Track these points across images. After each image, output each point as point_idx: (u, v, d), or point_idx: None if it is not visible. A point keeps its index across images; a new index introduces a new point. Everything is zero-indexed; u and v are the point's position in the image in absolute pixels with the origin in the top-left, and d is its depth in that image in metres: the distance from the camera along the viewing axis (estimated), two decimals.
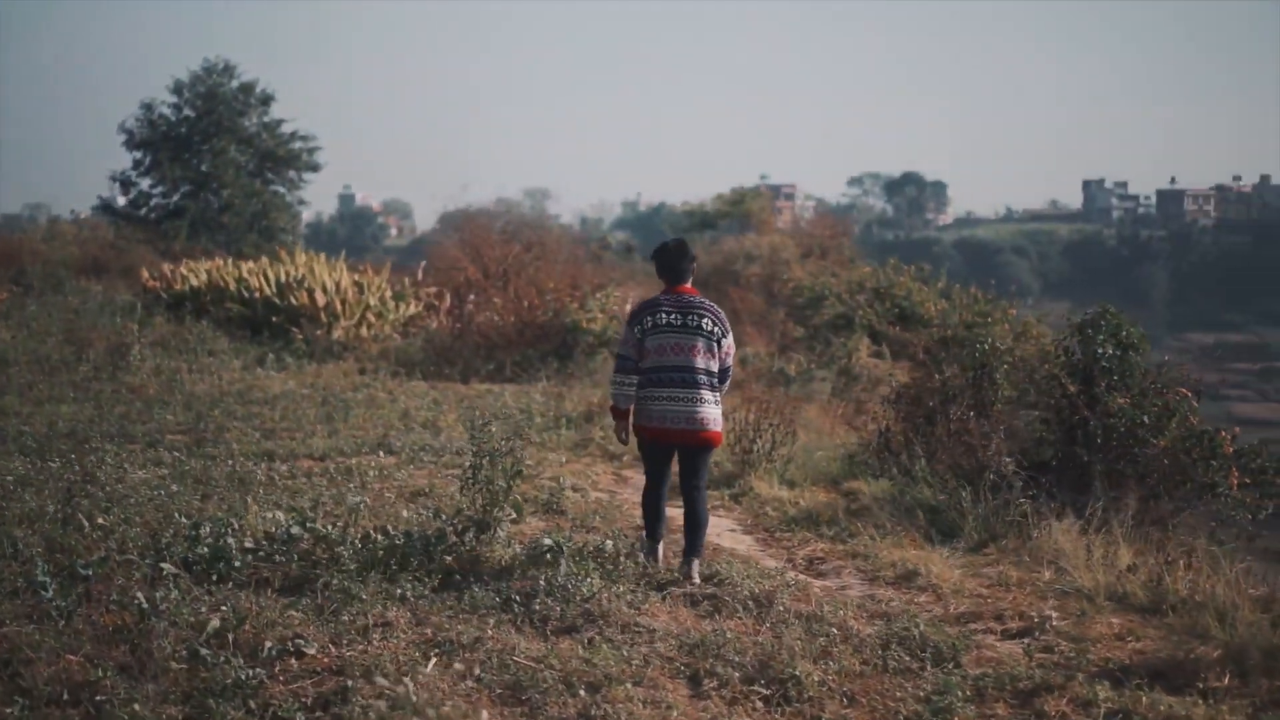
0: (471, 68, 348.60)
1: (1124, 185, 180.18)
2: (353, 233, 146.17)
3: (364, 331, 23.70)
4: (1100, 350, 11.47)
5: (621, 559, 9.37)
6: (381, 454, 13.82)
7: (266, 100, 49.92)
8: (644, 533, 9.85)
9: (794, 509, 12.17)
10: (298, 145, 50.29)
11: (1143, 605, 8.74)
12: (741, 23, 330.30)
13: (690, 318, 9.46)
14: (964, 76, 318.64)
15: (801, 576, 9.72)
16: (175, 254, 38.59)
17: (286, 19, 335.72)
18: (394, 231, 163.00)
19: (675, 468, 9.74)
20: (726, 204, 56.89)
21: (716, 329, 9.50)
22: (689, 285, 9.71)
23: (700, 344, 9.43)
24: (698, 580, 9.27)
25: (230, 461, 12.67)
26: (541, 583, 8.55)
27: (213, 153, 47.97)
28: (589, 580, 8.60)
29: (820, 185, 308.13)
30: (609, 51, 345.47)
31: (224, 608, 7.67)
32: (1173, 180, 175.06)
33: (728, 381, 9.73)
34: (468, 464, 10.01)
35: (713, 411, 9.48)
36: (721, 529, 11.64)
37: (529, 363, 22.31)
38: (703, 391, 9.43)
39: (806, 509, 12.11)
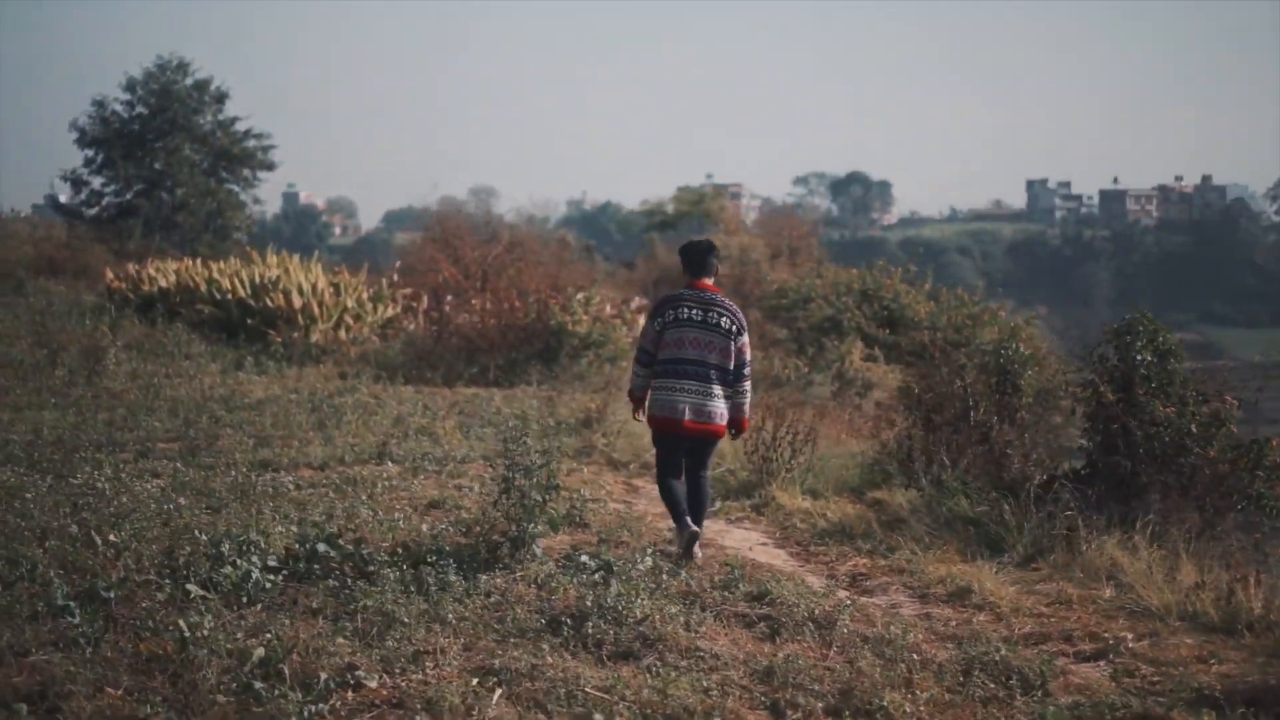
0: (415, 65, 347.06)
1: (1067, 185, 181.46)
2: (297, 231, 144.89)
3: (342, 334, 23.22)
4: (1139, 357, 11.14)
5: (664, 576, 9.00)
6: (384, 463, 13.36)
7: (221, 98, 49.23)
8: (671, 518, 10.25)
9: (824, 521, 11.79)
10: (252, 143, 49.63)
11: (1215, 625, 8.40)
12: (686, 22, 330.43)
13: (710, 314, 9.92)
14: (908, 76, 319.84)
15: (850, 595, 9.32)
16: (130, 253, 37.89)
17: (228, 16, 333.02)
18: (338, 230, 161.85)
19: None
20: (687, 204, 56.57)
21: (734, 327, 9.93)
22: (711, 282, 10.19)
23: (717, 341, 9.89)
24: (699, 555, 9.88)
25: (232, 472, 12.18)
26: (589, 603, 8.14)
27: (166, 151, 47.23)
28: (640, 600, 8.20)
29: (766, 184, 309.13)
30: (552, 50, 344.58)
31: (267, 635, 7.21)
32: (1115, 180, 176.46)
33: (748, 379, 10.09)
34: (500, 477, 9.62)
35: (721, 406, 9.94)
36: (752, 542, 11.27)
37: (513, 366, 21.89)
38: (714, 386, 9.89)
39: (837, 521, 11.72)
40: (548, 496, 9.56)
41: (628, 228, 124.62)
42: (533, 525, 9.33)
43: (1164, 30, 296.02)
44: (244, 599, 7.97)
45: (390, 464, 13.23)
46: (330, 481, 12.20)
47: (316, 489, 11.80)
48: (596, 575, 8.78)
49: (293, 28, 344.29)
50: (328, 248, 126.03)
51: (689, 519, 9.91)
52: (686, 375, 9.89)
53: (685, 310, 9.96)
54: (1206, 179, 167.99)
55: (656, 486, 10.71)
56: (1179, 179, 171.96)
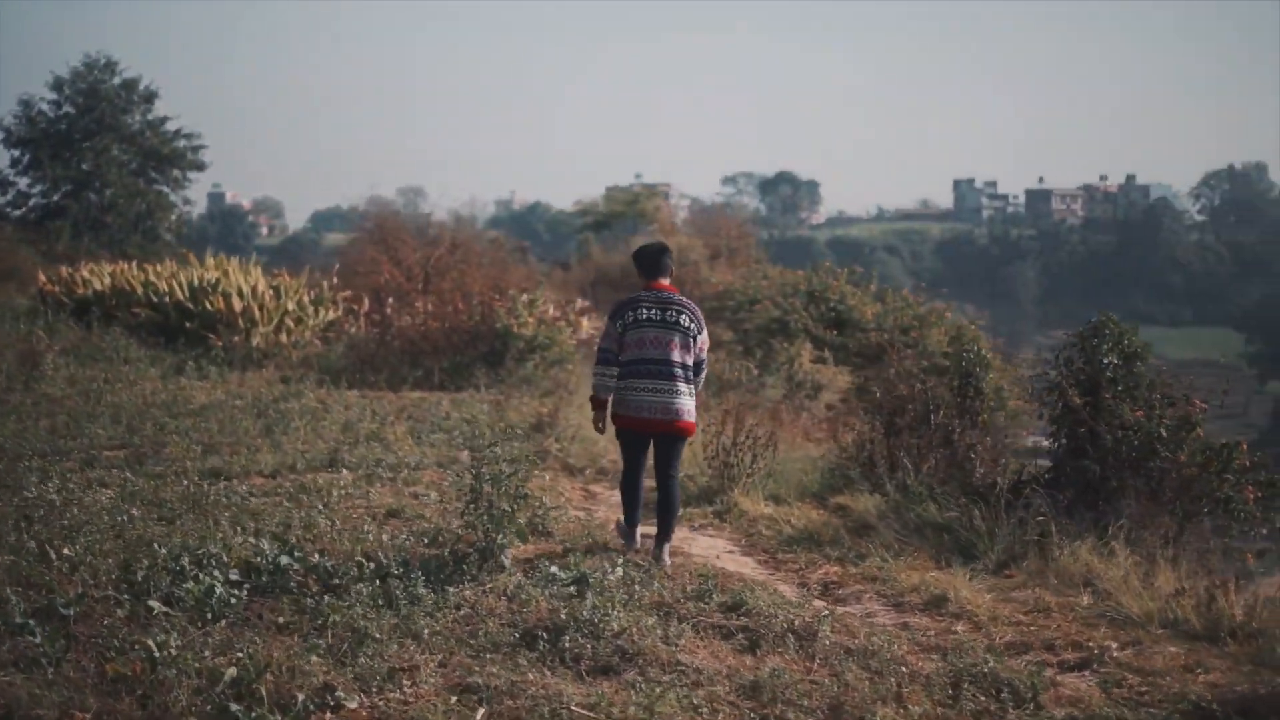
0: (343, 65, 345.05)
1: (993, 185, 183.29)
2: (223, 231, 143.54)
3: (284, 338, 22.85)
4: (1106, 360, 11.05)
5: (637, 587, 8.83)
6: (337, 470, 13.09)
7: (150, 97, 48.70)
8: (622, 517, 10.49)
9: (789, 528, 11.62)
10: (182, 143, 49.02)
11: (1197, 632, 8.31)
12: (613, 21, 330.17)
13: (669, 313, 10.10)
14: (835, 76, 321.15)
15: (827, 605, 9.16)
16: (59, 255, 37.30)
17: (152, 15, 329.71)
18: (265, 230, 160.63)
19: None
20: (621, 203, 56.24)
21: (693, 325, 10.13)
22: (668, 282, 10.38)
23: (677, 339, 10.07)
24: (668, 562, 9.92)
25: (184, 481, 11.88)
26: (563, 615, 7.94)
27: (94, 151, 46.67)
28: (616, 613, 8.01)
29: (694, 184, 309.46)
30: (479, 49, 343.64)
31: (238, 653, 6.98)
32: (1041, 180, 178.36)
33: (703, 375, 10.35)
34: (468, 486, 9.40)
35: (687, 403, 10.12)
36: (718, 550, 11.10)
37: (457, 369, 21.62)
38: (679, 384, 10.05)
39: (804, 528, 11.56)
40: (516, 506, 9.35)
41: (557, 227, 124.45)
42: (501, 536, 9.13)
43: (1087, 30, 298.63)
44: (208, 615, 7.71)
45: (344, 471, 12.93)
46: (283, 490, 11.92)
47: (270, 498, 11.54)
48: (570, 587, 8.59)
49: (218, 27, 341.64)
50: (254, 248, 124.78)
51: (658, 544, 10.18)
52: (651, 375, 10.06)
53: (644, 310, 10.13)
54: (1130, 178, 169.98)
55: (618, 490, 10.74)
56: (1103, 178, 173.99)
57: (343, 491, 11.91)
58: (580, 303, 26.52)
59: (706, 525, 12.07)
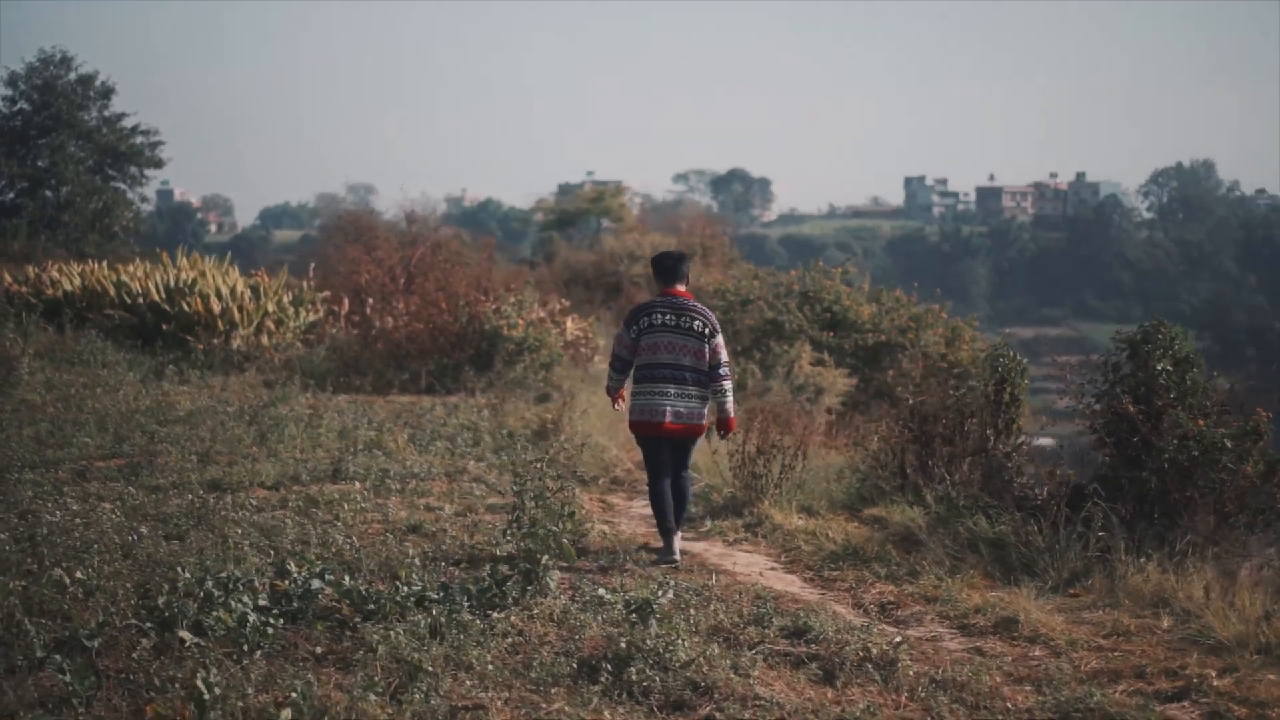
0: (292, 61, 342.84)
1: (944, 182, 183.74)
2: (172, 229, 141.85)
3: (265, 340, 22.17)
4: (1159, 367, 10.58)
5: (692, 611, 8.32)
6: (344, 482, 12.53)
7: (107, 93, 47.69)
8: (658, 529, 10.64)
9: (830, 543, 11.10)
10: (140, 140, 48.09)
11: None
12: (564, 18, 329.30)
13: (683, 319, 10.41)
14: (787, 73, 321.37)
15: (899, 631, 8.63)
16: (16, 254, 36.43)
17: (101, 10, 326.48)
18: (214, 228, 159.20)
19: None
20: (586, 201, 55.63)
21: (706, 329, 10.40)
22: (684, 288, 10.69)
23: (691, 344, 10.37)
24: (678, 556, 10.27)
25: (188, 495, 11.30)
26: (624, 644, 7.42)
27: (50, 148, 45.61)
28: (682, 641, 7.48)
29: (646, 182, 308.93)
30: (429, 45, 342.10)
31: (288, 691, 6.43)
32: (991, 177, 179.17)
33: (727, 379, 10.50)
34: (512, 505, 8.86)
35: (699, 407, 10.43)
36: (760, 567, 10.56)
37: (444, 372, 21.03)
38: (690, 388, 10.37)
39: (845, 543, 11.04)
40: (562, 525, 8.81)
41: (510, 225, 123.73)
42: (546, 557, 8.59)
43: (1036, 28, 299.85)
44: (244, 646, 7.15)
45: (354, 483, 12.34)
46: (290, 503, 11.38)
47: (277, 512, 10.98)
48: (622, 610, 8.09)
49: (165, 23, 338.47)
50: (203, 245, 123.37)
51: (675, 543, 10.39)
52: (664, 379, 10.36)
53: (659, 316, 10.45)
54: (1080, 176, 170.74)
55: (646, 500, 11.11)
56: (1054, 176, 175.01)
57: (353, 505, 11.34)
58: (559, 302, 25.89)
59: (741, 540, 11.53)
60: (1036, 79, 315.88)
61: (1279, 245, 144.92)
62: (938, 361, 25.21)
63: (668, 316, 10.44)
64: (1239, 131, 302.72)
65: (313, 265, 26.81)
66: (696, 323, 10.40)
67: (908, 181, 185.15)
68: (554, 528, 8.73)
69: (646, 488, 10.92)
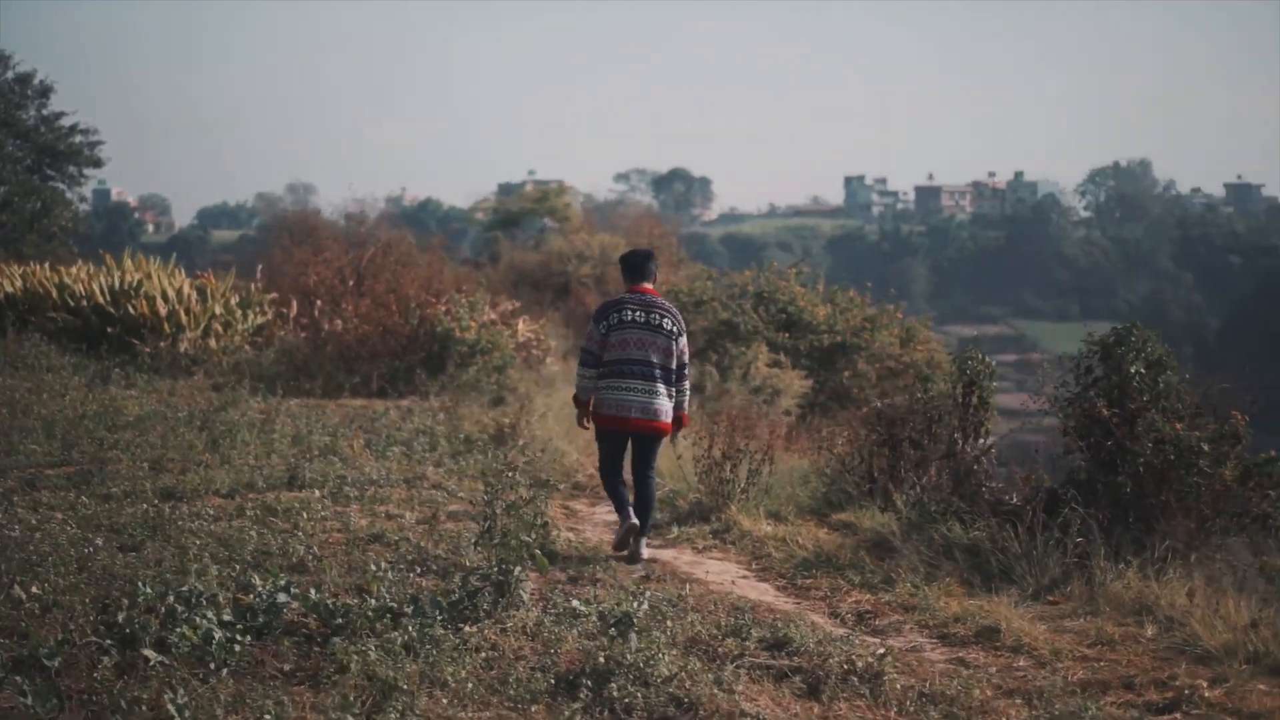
0: (228, 60, 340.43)
1: (883, 181, 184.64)
2: (109, 229, 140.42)
3: (212, 343, 21.80)
4: (1132, 369, 10.46)
5: (669, 623, 8.12)
6: (301, 490, 12.25)
7: (45, 92, 47.11)
8: (615, 512, 10.82)
9: (801, 550, 10.92)
10: (78, 139, 47.49)
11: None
12: (503, 17, 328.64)
13: (653, 316, 10.55)
14: (726, 73, 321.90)
15: (880, 641, 8.45)
16: None
17: (37, 8, 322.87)
18: (151, 228, 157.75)
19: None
20: (531, 201, 55.25)
21: (675, 328, 10.60)
22: (651, 286, 10.81)
23: (660, 341, 10.51)
24: (645, 555, 10.40)
25: (143, 504, 11.00)
26: (602, 659, 7.21)
27: None
28: (664, 656, 7.28)
29: (588, 181, 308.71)
30: (367, 44, 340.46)
31: (261, 712, 6.20)
32: (930, 177, 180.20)
33: (687, 379, 10.77)
34: (483, 515, 8.63)
35: (665, 404, 10.55)
36: (731, 574, 10.37)
37: (395, 375, 20.74)
38: (658, 385, 10.48)
39: (816, 549, 10.87)
40: (536, 536, 8.59)
41: (450, 224, 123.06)
42: (519, 568, 8.37)
43: (974, 29, 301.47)
44: (210, 664, 6.89)
45: (312, 491, 12.07)
46: (247, 512, 11.07)
47: (234, 521, 10.69)
48: (597, 622, 7.89)
49: (100, 20, 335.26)
50: (140, 246, 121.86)
51: (631, 512, 10.47)
52: (633, 375, 10.47)
53: (629, 313, 10.53)
54: (1019, 174, 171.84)
55: (610, 506, 11.16)
56: (992, 175, 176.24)
57: (312, 513, 11.06)
58: (510, 304, 25.61)
59: (710, 547, 11.33)
60: (975, 78, 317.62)
61: (1214, 244, 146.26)
62: (893, 363, 25.15)
63: (637, 313, 10.54)
64: (1175, 131, 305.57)
65: (260, 267, 26.40)
66: (666, 320, 10.57)
67: (847, 181, 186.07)
68: (527, 538, 8.49)
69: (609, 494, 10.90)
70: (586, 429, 11.02)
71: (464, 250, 60.46)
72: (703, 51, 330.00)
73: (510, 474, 9.12)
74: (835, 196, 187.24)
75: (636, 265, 10.86)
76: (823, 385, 24.62)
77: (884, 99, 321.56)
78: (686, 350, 10.78)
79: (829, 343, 25.29)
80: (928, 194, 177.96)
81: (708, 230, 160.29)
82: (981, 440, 11.87)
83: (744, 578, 10.33)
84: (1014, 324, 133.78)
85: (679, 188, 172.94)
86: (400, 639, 7.29)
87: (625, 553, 10.49)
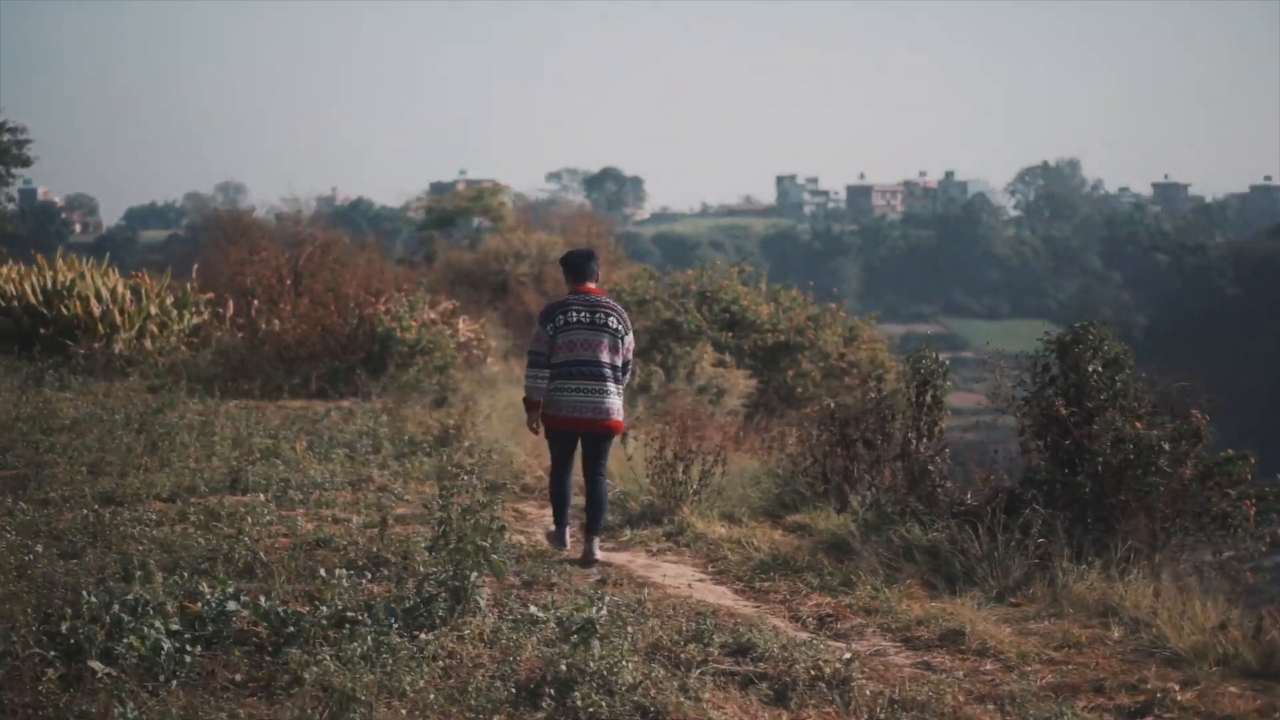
0: (157, 58, 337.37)
1: (815, 181, 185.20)
2: (35, 229, 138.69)
3: (148, 344, 21.42)
4: (1090, 369, 10.37)
5: (630, 629, 7.94)
6: (244, 493, 12.00)
7: None
8: (552, 519, 10.89)
9: (757, 552, 10.77)
10: (6, 138, 46.83)
11: (1253, 669, 7.62)
12: (433, 17, 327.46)
13: (598, 315, 10.62)
14: (658, 73, 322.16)
15: (847, 646, 8.30)
16: None
17: None
18: (78, 228, 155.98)
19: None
20: (466, 200, 54.89)
21: (620, 327, 10.70)
22: (594, 285, 10.92)
23: (606, 340, 10.58)
24: (598, 556, 10.37)
25: (82, 509, 10.72)
26: (564, 666, 7.03)
27: None
28: (627, 663, 7.09)
29: (519, 180, 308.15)
30: (296, 45, 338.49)
31: None
32: (862, 176, 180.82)
33: (629, 375, 10.92)
34: (438, 519, 8.40)
35: (616, 402, 10.61)
36: (687, 578, 10.21)
37: (335, 376, 20.45)
38: (608, 384, 10.53)
39: (772, 552, 10.72)
40: (492, 540, 8.39)
41: (382, 224, 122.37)
42: (476, 573, 8.16)
43: (904, 28, 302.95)
44: (159, 675, 6.66)
45: (256, 495, 11.81)
46: (190, 516, 10.83)
47: (177, 526, 10.46)
48: (572, 634, 7.65)
49: (25, 19, 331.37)
50: (68, 246, 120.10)
51: (588, 538, 10.53)
52: (582, 375, 10.50)
53: (574, 314, 10.58)
54: (949, 174, 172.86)
55: (549, 490, 11.13)
56: (923, 174, 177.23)
57: (257, 518, 10.80)
58: (450, 303, 25.33)
59: (664, 550, 11.18)
60: (905, 78, 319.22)
61: (1142, 243, 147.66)
62: (837, 361, 25.09)
63: (583, 314, 10.59)
64: (1103, 130, 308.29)
65: (196, 266, 25.98)
66: (612, 319, 10.65)
67: (779, 180, 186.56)
68: (483, 542, 8.28)
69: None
70: (536, 432, 10.98)
71: (397, 250, 60.02)
72: (634, 50, 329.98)
73: (466, 476, 8.85)
74: (767, 196, 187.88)
75: (578, 265, 10.95)
76: (767, 385, 24.52)
77: (815, 98, 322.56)
78: (632, 348, 10.91)
79: (773, 342, 25.20)
80: (859, 193, 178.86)
81: (640, 230, 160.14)
82: (935, 439, 11.74)
83: (700, 581, 10.18)
84: (945, 322, 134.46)
85: (611, 187, 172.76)
86: (360, 649, 7.07)
87: (578, 555, 10.48)
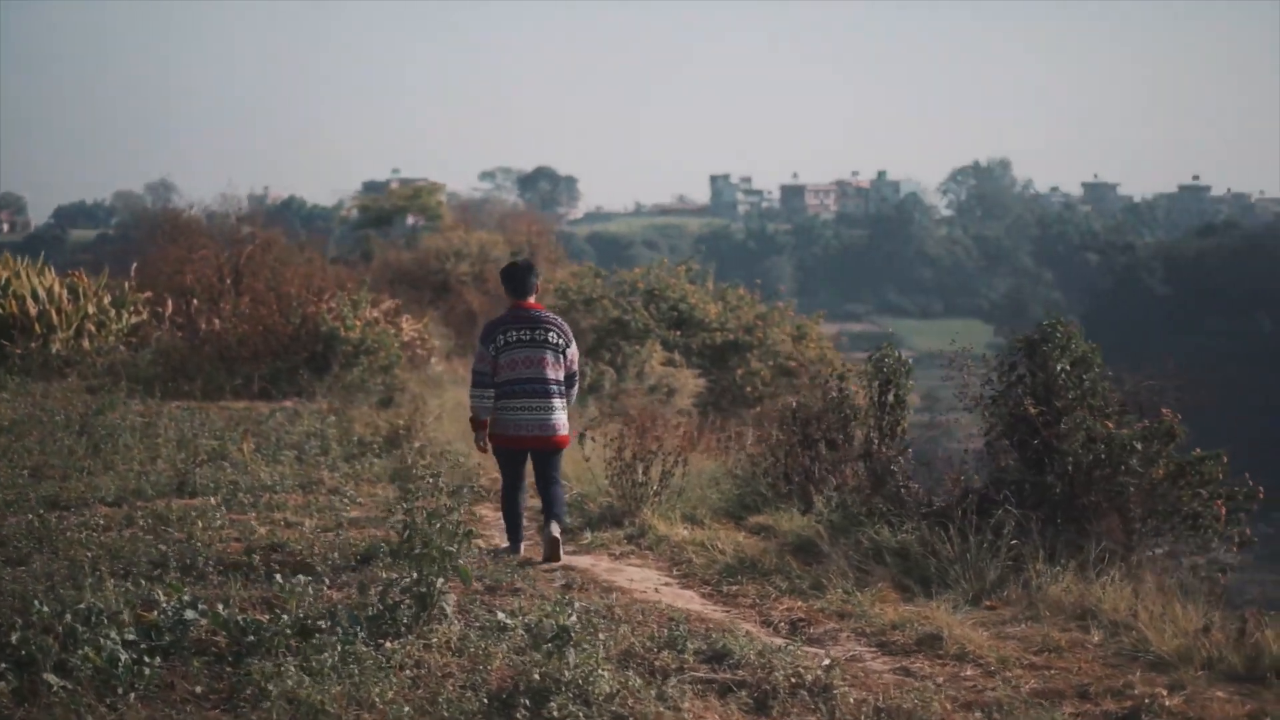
0: (85, 56, 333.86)
1: (749, 180, 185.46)
2: None
3: (86, 344, 21.00)
4: (1059, 368, 10.22)
5: (602, 636, 7.71)
6: (189, 496, 11.71)
7: None
8: (507, 539, 10.77)
9: (721, 555, 10.55)
10: None
11: (1238, 672, 7.47)
12: (365, 15, 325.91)
13: (538, 332, 10.65)
14: (590, 72, 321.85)
15: (819, 650, 8.10)
16: None
17: None
18: (6, 227, 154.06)
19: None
20: (403, 198, 54.40)
21: (561, 340, 10.71)
22: (533, 300, 10.95)
23: (549, 355, 10.61)
24: (556, 533, 10.43)
25: (26, 513, 10.40)
26: (537, 675, 6.81)
27: None
28: (602, 672, 6.87)
29: (452, 179, 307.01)
30: (229, 43, 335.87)
31: None
32: (795, 176, 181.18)
33: (575, 386, 10.91)
34: (402, 523, 8.14)
35: (562, 417, 10.68)
36: (653, 582, 9.97)
37: (277, 376, 20.12)
38: (554, 400, 10.60)
39: (738, 554, 10.51)
40: (459, 545, 8.15)
41: (315, 223, 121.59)
42: (442, 580, 7.92)
43: (836, 29, 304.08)
44: (117, 688, 6.39)
45: (207, 498, 11.53)
46: (137, 521, 10.55)
47: (125, 531, 10.18)
48: (548, 642, 7.42)
49: None
50: None
51: (547, 523, 10.57)
52: (526, 394, 10.53)
53: (514, 332, 10.63)
54: (882, 174, 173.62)
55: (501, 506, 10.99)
56: (855, 174, 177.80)
57: (207, 522, 10.51)
58: (392, 302, 25.00)
59: (627, 553, 10.95)
60: (838, 78, 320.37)
61: (1072, 241, 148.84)
62: (786, 360, 24.95)
63: (523, 332, 10.63)
64: (1034, 129, 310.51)
65: (135, 265, 25.49)
66: (552, 334, 10.68)
67: (713, 180, 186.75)
68: (450, 548, 8.03)
69: None
70: (485, 451, 10.97)
71: (330, 249, 59.48)
72: (567, 49, 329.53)
73: (432, 479, 8.57)
74: (701, 195, 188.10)
75: (519, 279, 10.92)
76: (716, 384, 24.34)
77: (749, 97, 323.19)
78: (576, 358, 10.93)
79: (721, 340, 25.04)
80: (792, 193, 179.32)
81: (574, 229, 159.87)
82: (898, 440, 11.58)
83: (667, 585, 9.95)
84: (878, 321, 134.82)
85: (545, 186, 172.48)
86: (329, 659, 6.82)
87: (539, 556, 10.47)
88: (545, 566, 10.18)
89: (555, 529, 10.46)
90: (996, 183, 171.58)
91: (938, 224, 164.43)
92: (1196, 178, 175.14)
